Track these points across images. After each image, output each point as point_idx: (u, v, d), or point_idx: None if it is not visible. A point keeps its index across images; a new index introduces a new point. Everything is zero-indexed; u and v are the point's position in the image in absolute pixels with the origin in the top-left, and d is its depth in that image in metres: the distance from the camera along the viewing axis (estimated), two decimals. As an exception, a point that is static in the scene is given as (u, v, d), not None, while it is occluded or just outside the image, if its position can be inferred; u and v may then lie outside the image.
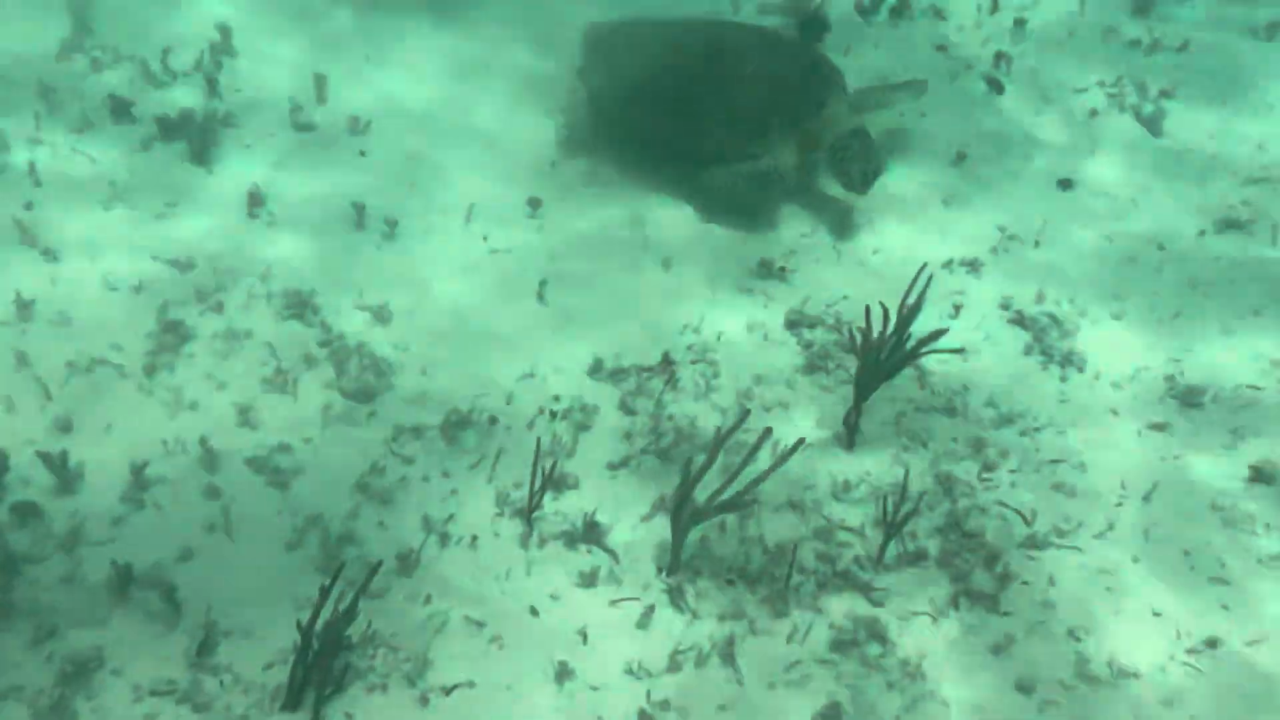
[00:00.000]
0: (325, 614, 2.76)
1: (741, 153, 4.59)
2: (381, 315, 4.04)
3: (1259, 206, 4.92)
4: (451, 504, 3.43)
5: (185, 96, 4.90)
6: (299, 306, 4.01)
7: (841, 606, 3.23)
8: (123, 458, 3.37)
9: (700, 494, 3.16)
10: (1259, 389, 4.02)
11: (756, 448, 3.13)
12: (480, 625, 3.09)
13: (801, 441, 3.22)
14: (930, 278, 3.69)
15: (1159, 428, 3.87)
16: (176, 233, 4.27)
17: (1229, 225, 4.80)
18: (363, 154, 4.82)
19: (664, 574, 3.28)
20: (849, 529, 3.44)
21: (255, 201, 4.43)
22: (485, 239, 4.44)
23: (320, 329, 3.94)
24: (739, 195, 4.58)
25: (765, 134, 4.61)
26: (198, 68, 5.04)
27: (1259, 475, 3.66)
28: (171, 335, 3.80)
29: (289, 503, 3.38)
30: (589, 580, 3.24)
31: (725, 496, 3.12)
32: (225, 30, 5.17)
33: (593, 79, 4.88)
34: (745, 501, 3.13)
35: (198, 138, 4.63)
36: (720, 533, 3.41)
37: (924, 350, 3.53)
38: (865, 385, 3.66)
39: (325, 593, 2.74)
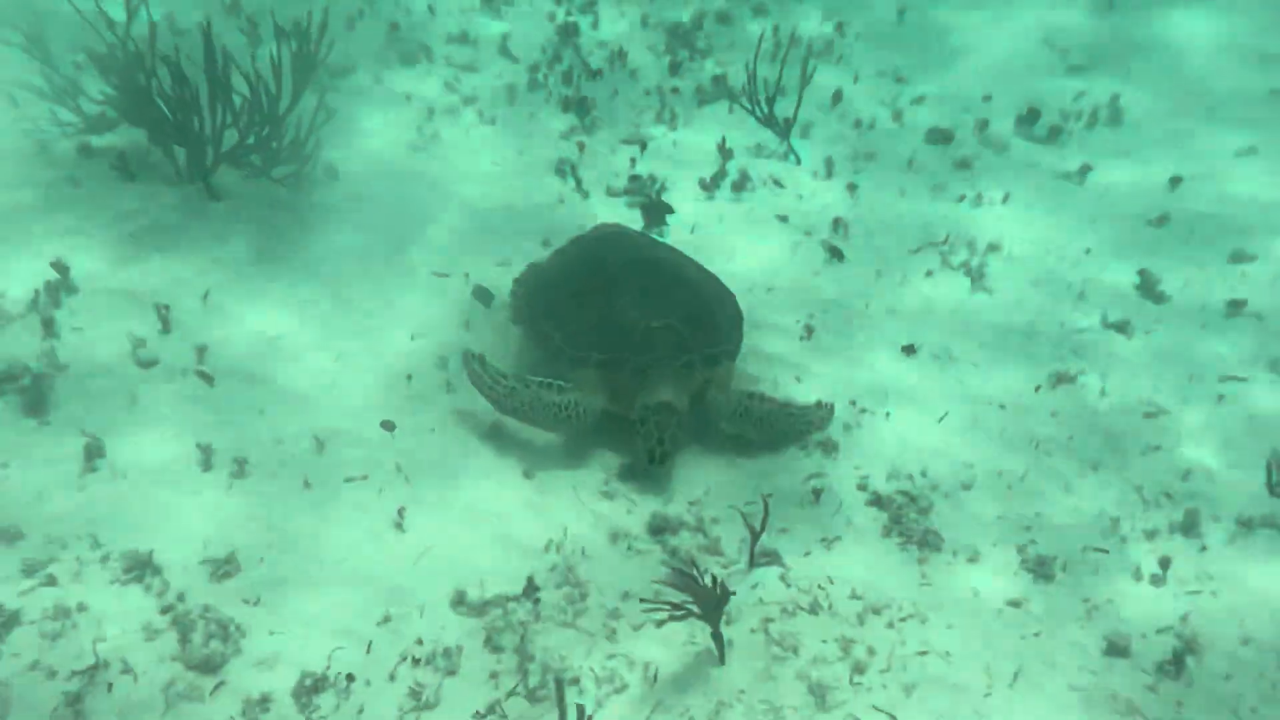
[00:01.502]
0: None
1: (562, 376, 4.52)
2: (229, 568, 3.87)
3: (1088, 357, 5.21)
4: (304, 786, 3.24)
5: (19, 342, 4.73)
6: (139, 568, 3.82)
7: None
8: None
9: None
10: (1104, 551, 4.17)
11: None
12: None
13: None
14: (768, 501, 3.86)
15: (1016, 604, 3.95)
16: (5, 496, 4.05)
17: (1061, 379, 5.05)
18: (210, 384, 4.70)
19: (535, 838, 3.14)
20: (724, 760, 3.38)
21: (93, 453, 4.25)
22: (346, 479, 4.34)
23: (161, 591, 3.73)
24: (536, 418, 4.44)
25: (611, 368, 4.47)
26: (34, 308, 4.89)
27: (1112, 648, 3.75)
28: (-6, 624, 3.56)
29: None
30: None
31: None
32: (62, 267, 5.06)
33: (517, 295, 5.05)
34: None
35: (31, 387, 4.45)
36: (594, 778, 3.30)
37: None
38: (711, 614, 3.63)
39: None
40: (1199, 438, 4.74)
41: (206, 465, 4.30)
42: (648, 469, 4.35)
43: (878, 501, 4.38)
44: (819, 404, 4.70)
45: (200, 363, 4.81)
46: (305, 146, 5.89)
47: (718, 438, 4.61)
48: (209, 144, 5.79)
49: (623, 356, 4.49)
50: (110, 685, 3.43)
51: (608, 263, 4.93)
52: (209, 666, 3.53)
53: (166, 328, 4.97)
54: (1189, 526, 4.27)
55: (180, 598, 3.74)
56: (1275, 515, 4.28)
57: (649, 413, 4.34)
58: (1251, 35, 8.30)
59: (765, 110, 6.87)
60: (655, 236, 5.85)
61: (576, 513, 4.26)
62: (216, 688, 3.49)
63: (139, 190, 5.84)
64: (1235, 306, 5.54)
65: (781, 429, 4.55)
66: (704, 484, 4.43)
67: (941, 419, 4.84)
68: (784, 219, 6.29)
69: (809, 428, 4.63)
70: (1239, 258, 5.91)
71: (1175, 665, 3.70)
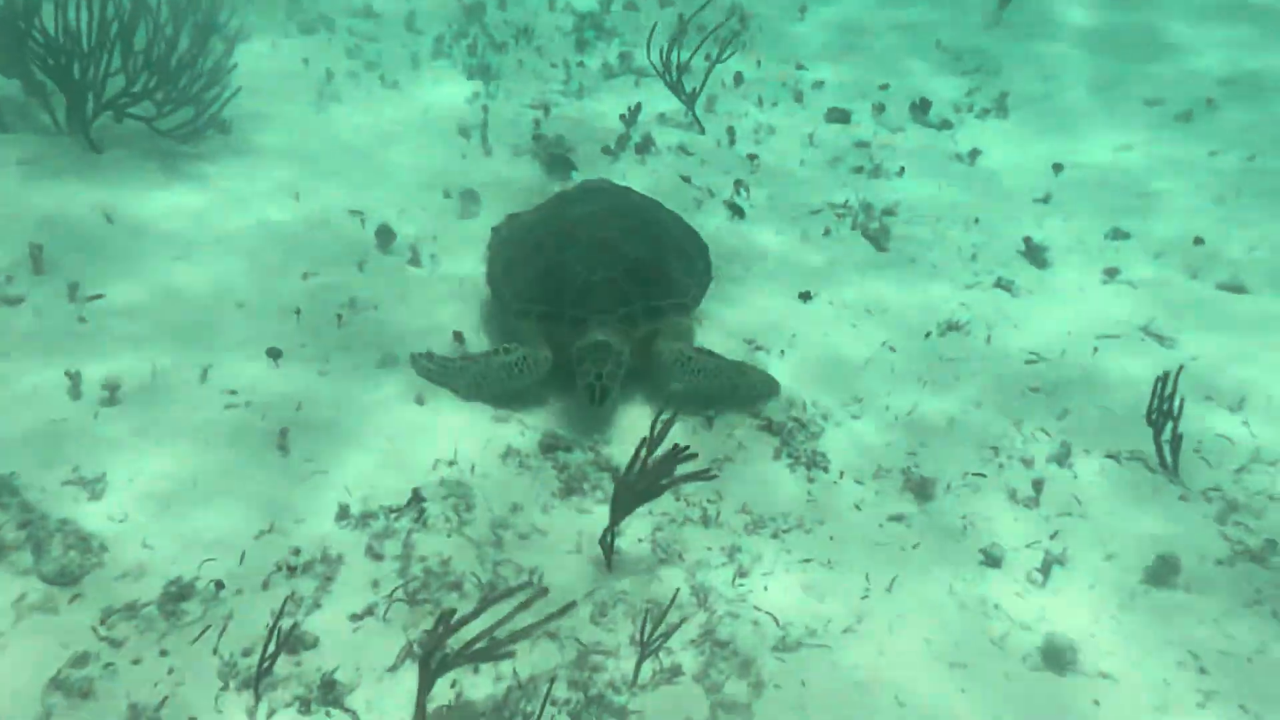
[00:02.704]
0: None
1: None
2: (95, 488, 3.72)
3: (975, 310, 5.37)
4: (166, 685, 3.10)
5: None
6: (-1, 487, 3.64)
7: (597, 736, 3.10)
8: None
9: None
10: (983, 475, 4.28)
11: (528, 602, 2.92)
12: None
13: (572, 605, 3.11)
14: (675, 415, 3.79)
15: (898, 519, 4.03)
16: None
17: (951, 328, 5.20)
18: (82, 320, 4.54)
19: (409, 729, 3.06)
20: (604, 652, 3.34)
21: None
22: (231, 393, 4.22)
23: (19, 510, 3.56)
24: (494, 386, 4.36)
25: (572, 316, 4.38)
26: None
27: (987, 559, 3.85)
28: None
29: (-26, 707, 2.96)
30: (324, 747, 2.98)
31: (481, 646, 2.96)
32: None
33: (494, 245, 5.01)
34: (501, 654, 2.98)
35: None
36: (473, 674, 3.24)
37: (678, 478, 3.55)
38: (621, 508, 3.64)
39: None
40: (1073, 384, 4.90)
41: (75, 393, 4.13)
42: (588, 408, 4.22)
43: (769, 427, 4.43)
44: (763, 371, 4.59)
45: (72, 299, 4.63)
46: (206, 102, 5.76)
47: (664, 394, 4.51)
48: (89, 92, 5.61)
49: (560, 309, 4.41)
50: (-41, 593, 3.25)
51: (568, 216, 4.86)
52: (67, 578, 3.37)
53: (39, 268, 4.77)
54: (1062, 457, 4.40)
55: (41, 517, 3.57)
56: (1139, 451, 4.43)
57: (584, 352, 4.26)
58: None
59: (674, 77, 6.97)
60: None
61: (468, 435, 4.21)
62: (72, 599, 3.34)
63: (14, 139, 5.64)
64: (1110, 274, 5.78)
65: (728, 383, 4.43)
66: (618, 423, 4.40)
67: (833, 357, 4.93)
68: (687, 179, 6.37)
69: (755, 390, 4.50)
70: (1116, 235, 6.16)
71: (1043, 573, 3.80)
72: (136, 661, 3.16)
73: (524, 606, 2.88)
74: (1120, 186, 6.69)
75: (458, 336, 4.74)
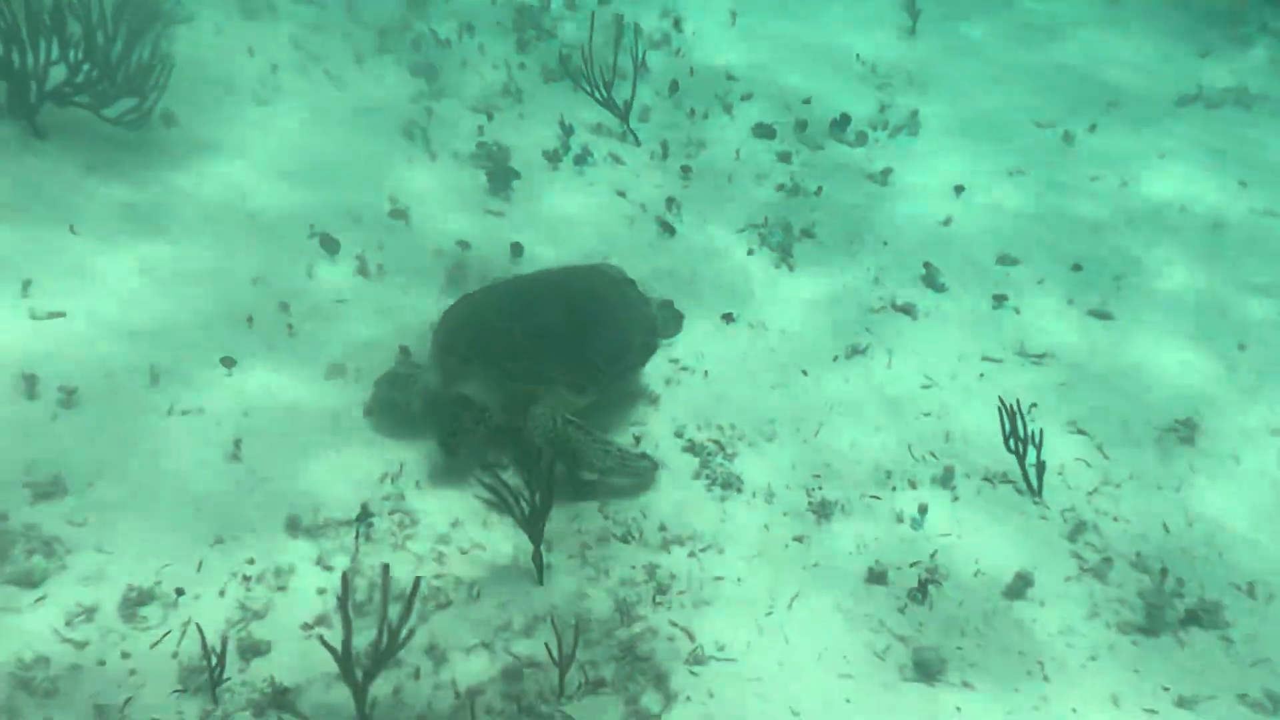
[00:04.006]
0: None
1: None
2: (54, 490, 3.92)
3: (877, 333, 5.85)
4: (129, 686, 3.37)
5: None
6: (-34, 488, 3.81)
7: (528, 741, 3.49)
8: None
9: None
10: (878, 498, 4.77)
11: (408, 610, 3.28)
12: (164, 814, 3.07)
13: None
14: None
15: (800, 540, 4.49)
16: None
17: (855, 351, 5.67)
18: (33, 318, 4.67)
19: (355, 731, 3.40)
20: (534, 665, 3.72)
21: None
22: (176, 410, 4.42)
23: (-15, 513, 3.76)
24: (390, 392, 4.58)
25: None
26: None
27: (873, 576, 4.34)
28: None
29: (-56, 710, 3.19)
30: (278, 750, 3.30)
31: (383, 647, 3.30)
32: None
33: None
34: (394, 649, 3.29)
35: None
36: (414, 680, 3.58)
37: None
38: (535, 530, 4.00)
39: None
40: (961, 407, 5.42)
41: (31, 395, 4.29)
42: (442, 460, 4.39)
43: (691, 448, 4.83)
44: (644, 455, 4.58)
45: (25, 295, 4.75)
46: (147, 90, 5.82)
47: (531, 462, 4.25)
48: (32, 80, 5.63)
49: (455, 344, 4.59)
50: (-74, 598, 3.45)
51: (534, 283, 5.12)
52: (28, 581, 3.59)
53: (-13, 259, 4.86)
54: (946, 479, 4.92)
55: (4, 517, 3.77)
56: (1010, 471, 4.98)
57: (446, 403, 4.40)
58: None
59: (604, 94, 7.25)
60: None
61: (413, 449, 4.50)
62: (36, 602, 3.56)
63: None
64: (999, 300, 6.31)
65: (596, 465, 4.39)
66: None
67: (752, 381, 5.35)
68: (622, 194, 6.68)
69: (629, 476, 4.48)
70: (1005, 261, 6.69)
71: (921, 592, 4.31)
72: (101, 663, 3.41)
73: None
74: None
75: (404, 350, 5.00)
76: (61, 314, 4.70)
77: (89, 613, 3.56)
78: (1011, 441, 4.87)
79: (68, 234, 5.16)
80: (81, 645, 3.47)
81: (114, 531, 3.86)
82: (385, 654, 3.27)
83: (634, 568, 4.20)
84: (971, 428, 5.24)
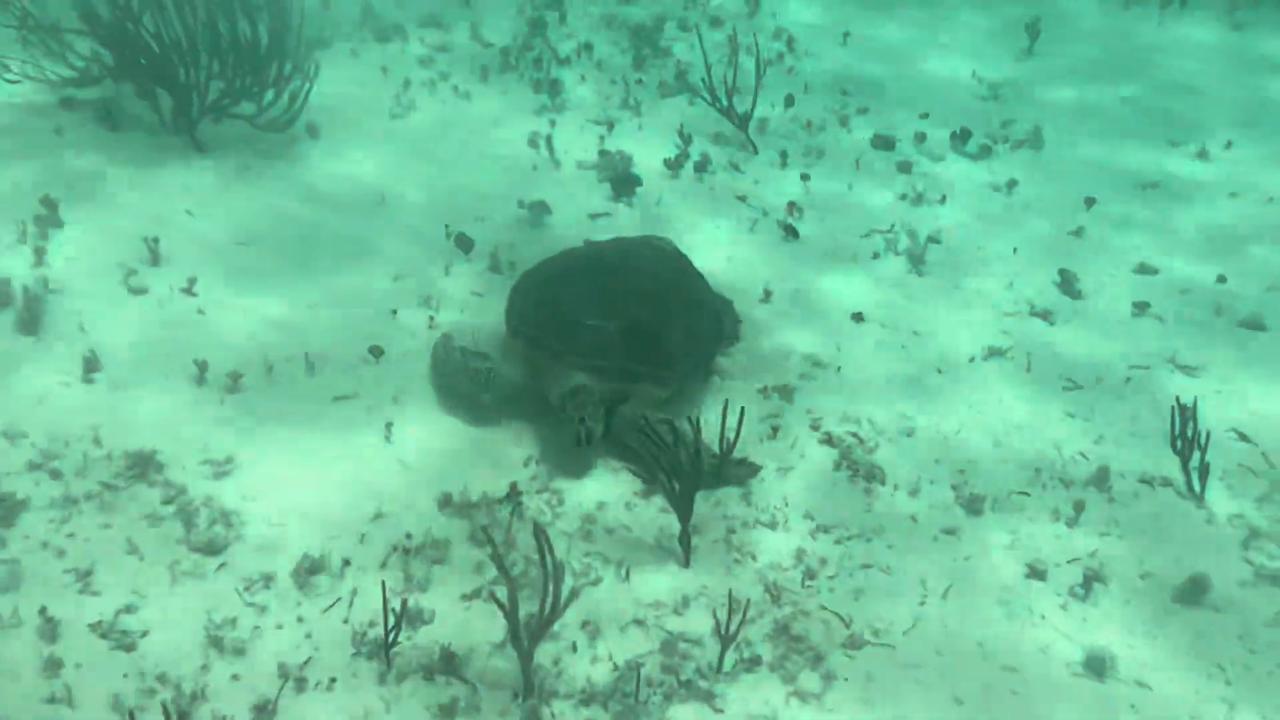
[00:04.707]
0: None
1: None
2: (227, 468, 4.09)
3: (1016, 336, 5.74)
4: (307, 648, 3.48)
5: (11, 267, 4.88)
6: (140, 466, 4.01)
7: (688, 715, 3.47)
8: (-47, 634, 3.26)
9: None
10: (1028, 495, 4.65)
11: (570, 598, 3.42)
12: (342, 769, 3.14)
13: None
14: (742, 411, 4.17)
15: (950, 532, 4.40)
16: (6, 405, 4.20)
17: (993, 354, 5.57)
18: (200, 312, 4.92)
19: (519, 698, 3.43)
20: (690, 640, 3.72)
21: (90, 366, 4.42)
22: (335, 398, 4.59)
23: (164, 487, 3.94)
24: (457, 384, 4.56)
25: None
26: (23, 238, 5.04)
27: (1033, 573, 4.22)
28: (3, 507, 3.72)
29: (136, 664, 3.33)
30: (449, 711, 3.35)
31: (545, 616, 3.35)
32: (51, 203, 5.23)
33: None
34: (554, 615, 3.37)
35: (25, 308, 4.60)
36: (572, 653, 3.61)
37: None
38: (683, 510, 4.02)
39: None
40: (1111, 411, 5.26)
41: (201, 380, 4.51)
42: (575, 451, 4.33)
43: (829, 440, 4.80)
44: (742, 460, 4.45)
45: (191, 289, 5.01)
46: (294, 95, 6.11)
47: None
48: (194, 93, 5.98)
49: (546, 338, 4.54)
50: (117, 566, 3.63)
51: (601, 261, 5.02)
52: (213, 548, 3.75)
53: (155, 260, 5.15)
54: (1099, 480, 4.77)
55: (183, 491, 3.95)
56: (1170, 477, 4.81)
57: (567, 397, 4.37)
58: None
59: (726, 102, 7.33)
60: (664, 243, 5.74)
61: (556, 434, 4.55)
62: (219, 568, 3.72)
63: (122, 139, 6.02)
64: (1139, 308, 6.14)
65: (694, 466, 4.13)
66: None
67: (887, 377, 5.30)
68: (743, 199, 6.74)
69: (720, 480, 4.38)
70: (1143, 270, 6.52)
71: (1085, 588, 4.17)
72: (279, 627, 3.53)
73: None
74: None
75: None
76: (220, 302, 4.94)
77: (266, 579, 3.69)
78: (1179, 443, 4.70)
79: (227, 231, 5.44)
80: (262, 609, 3.59)
81: (284, 506, 4.00)
82: (550, 617, 3.30)
83: (780, 552, 4.17)
84: (1124, 431, 5.08)
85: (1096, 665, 3.81)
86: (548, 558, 3.28)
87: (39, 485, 3.90)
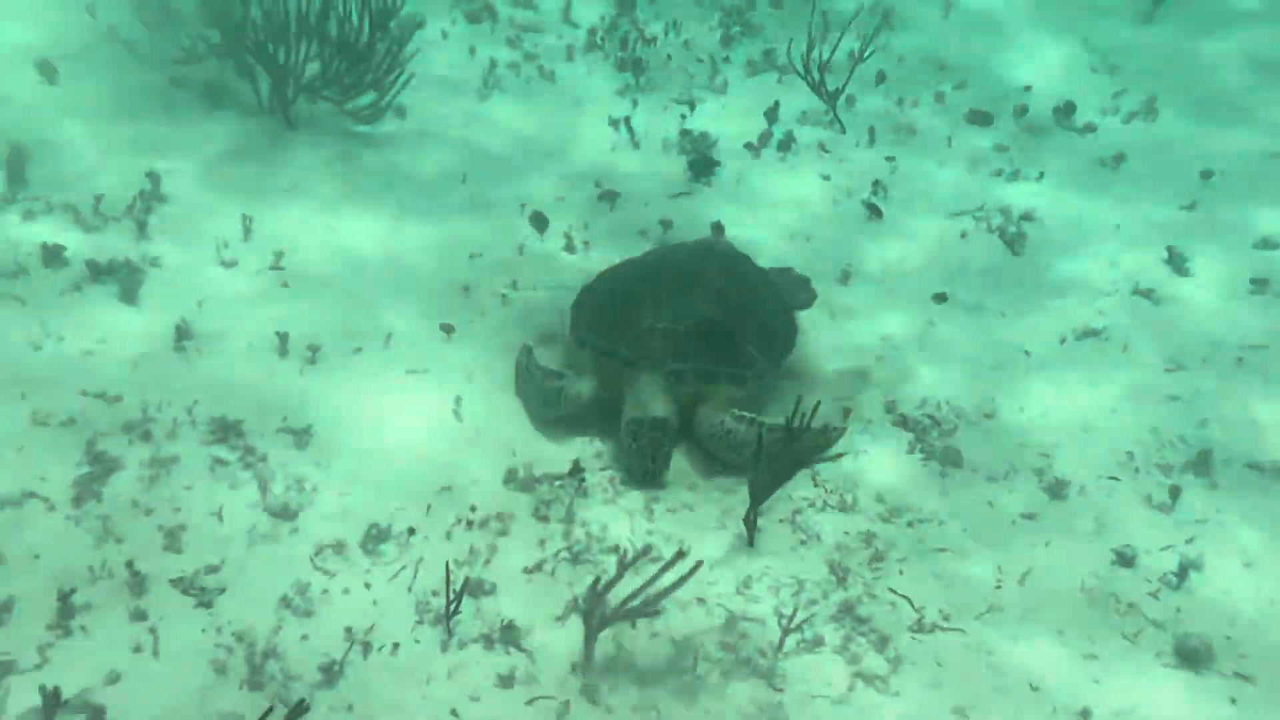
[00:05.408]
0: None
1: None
2: (304, 437, 4.23)
3: (1112, 317, 5.46)
4: (373, 614, 3.57)
5: (115, 240, 5.13)
6: (223, 431, 4.18)
7: (746, 693, 3.43)
8: (49, 586, 3.44)
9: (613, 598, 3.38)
10: (1118, 480, 4.43)
11: (670, 563, 3.40)
12: (402, 731, 3.22)
13: (700, 564, 3.45)
14: (818, 404, 4.05)
15: (1030, 517, 4.23)
16: (104, 368, 4.42)
17: (1086, 334, 5.32)
18: (285, 285, 5.09)
19: (578, 671, 3.45)
20: (750, 619, 3.67)
21: (182, 335, 4.63)
22: (405, 371, 4.68)
23: (244, 452, 4.10)
24: (537, 401, 4.49)
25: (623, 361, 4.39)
26: (129, 212, 5.29)
27: (1120, 559, 4.02)
28: (99, 466, 3.93)
29: (214, 620, 3.48)
30: (507, 681, 3.39)
31: (634, 604, 3.35)
32: (155, 177, 5.47)
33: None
34: (650, 611, 3.39)
35: (126, 278, 4.84)
36: (631, 629, 3.61)
37: (815, 460, 3.87)
38: (760, 491, 3.96)
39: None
40: (1216, 393, 4.96)
41: (283, 351, 4.66)
42: (639, 483, 4.22)
43: (904, 423, 4.67)
44: (827, 427, 4.39)
45: (278, 264, 5.18)
46: (387, 87, 6.25)
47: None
48: (291, 76, 6.18)
49: (616, 347, 4.44)
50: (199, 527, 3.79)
51: (662, 266, 4.88)
52: (288, 513, 3.88)
53: (248, 235, 5.35)
54: (1200, 466, 4.51)
55: (262, 458, 4.10)
56: (1280, 460, 4.52)
57: (641, 428, 4.20)
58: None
59: (817, 77, 7.17)
60: (724, 237, 5.76)
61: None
62: (292, 532, 3.85)
63: (224, 116, 6.26)
64: (1259, 285, 5.76)
65: (780, 453, 4.01)
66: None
67: (970, 360, 5.12)
68: (827, 178, 6.59)
69: (813, 454, 4.30)
70: (1266, 245, 6.12)
71: (1179, 576, 3.95)
72: (346, 591, 3.64)
73: (668, 567, 3.34)
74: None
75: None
76: (302, 276, 5.11)
77: (337, 545, 3.80)
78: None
79: (314, 208, 5.61)
80: (331, 574, 3.70)
81: (355, 475, 4.11)
82: (635, 612, 3.36)
83: (848, 533, 4.08)
84: (1233, 416, 4.78)
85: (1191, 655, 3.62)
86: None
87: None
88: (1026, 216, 6.32)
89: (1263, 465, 4.53)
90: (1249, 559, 4.08)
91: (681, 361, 4.37)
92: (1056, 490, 4.35)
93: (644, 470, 4.17)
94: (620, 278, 4.86)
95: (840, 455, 4.07)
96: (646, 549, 3.65)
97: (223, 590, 3.59)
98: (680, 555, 3.44)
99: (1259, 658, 3.67)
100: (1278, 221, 6.27)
